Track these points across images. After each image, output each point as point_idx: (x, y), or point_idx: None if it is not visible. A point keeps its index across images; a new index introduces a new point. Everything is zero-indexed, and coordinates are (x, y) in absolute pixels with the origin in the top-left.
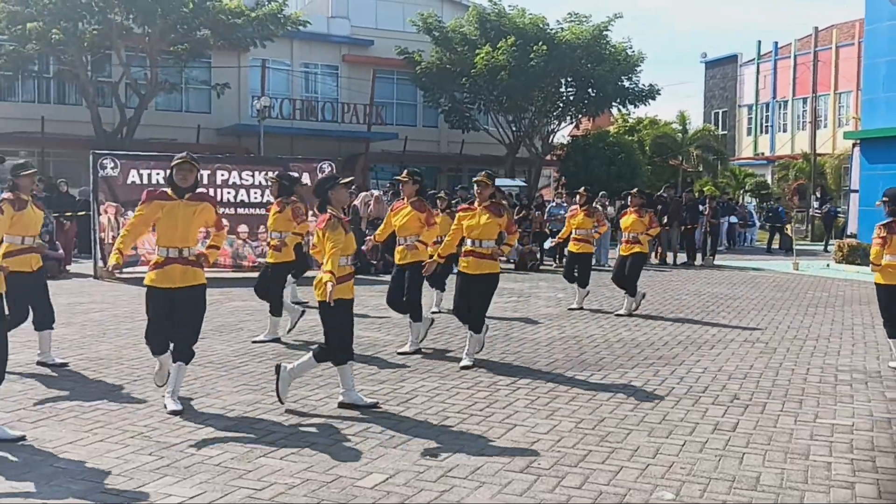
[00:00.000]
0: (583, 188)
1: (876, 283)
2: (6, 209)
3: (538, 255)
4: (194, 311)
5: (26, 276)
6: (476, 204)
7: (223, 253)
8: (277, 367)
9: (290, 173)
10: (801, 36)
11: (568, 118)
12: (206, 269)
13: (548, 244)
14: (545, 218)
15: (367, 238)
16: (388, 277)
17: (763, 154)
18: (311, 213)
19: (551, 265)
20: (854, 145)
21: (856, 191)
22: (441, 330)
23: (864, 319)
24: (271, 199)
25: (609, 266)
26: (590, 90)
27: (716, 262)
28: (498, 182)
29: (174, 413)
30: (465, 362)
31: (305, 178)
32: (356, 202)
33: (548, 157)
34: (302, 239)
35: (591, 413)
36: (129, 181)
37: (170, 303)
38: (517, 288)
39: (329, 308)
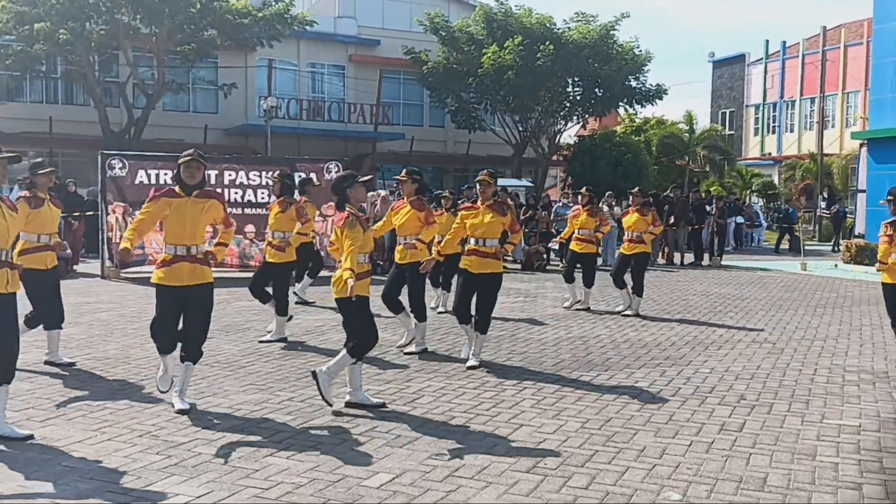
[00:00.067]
0: (584, 188)
1: (883, 283)
2: (22, 207)
3: (544, 256)
4: (203, 310)
5: (41, 274)
6: (479, 203)
7: (230, 253)
8: (314, 374)
9: (307, 174)
10: (810, 35)
11: (575, 118)
12: (212, 268)
13: (552, 244)
14: (551, 218)
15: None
16: None
17: (770, 154)
18: (317, 213)
19: (558, 265)
20: (861, 145)
21: (863, 191)
22: (448, 330)
23: (873, 320)
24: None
25: None
26: (597, 90)
27: (723, 263)
28: (504, 182)
29: (182, 412)
30: (471, 362)
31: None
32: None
33: (554, 158)
34: (312, 238)
35: (597, 413)
36: (137, 181)
37: (179, 301)
38: (523, 288)
39: (348, 305)
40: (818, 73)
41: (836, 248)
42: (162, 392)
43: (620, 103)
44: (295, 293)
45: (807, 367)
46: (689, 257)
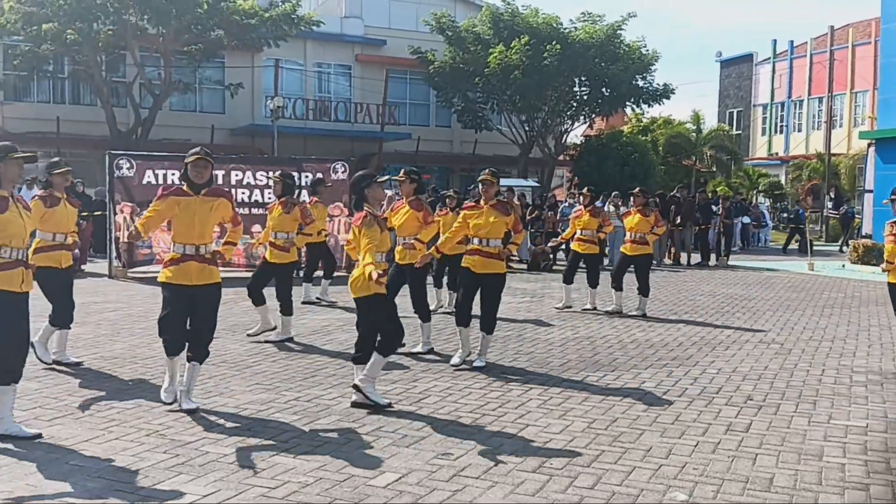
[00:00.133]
0: (586, 188)
1: (889, 283)
2: (37, 206)
3: (551, 256)
4: (211, 310)
5: (55, 272)
6: (482, 202)
7: (237, 252)
8: (355, 386)
9: (314, 174)
10: (817, 35)
11: (581, 118)
12: (219, 268)
13: (550, 244)
14: (558, 218)
15: None
16: None
17: (777, 154)
18: (328, 213)
19: (564, 265)
20: (869, 145)
21: (870, 191)
22: (454, 330)
23: (881, 321)
24: None
25: None
26: (603, 90)
27: (730, 263)
28: (511, 182)
29: (188, 412)
30: (477, 363)
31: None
32: None
33: (561, 158)
34: (325, 238)
35: (603, 413)
36: (144, 181)
37: (187, 300)
38: (530, 288)
39: (367, 303)
40: (826, 72)
41: (842, 249)
42: (167, 404)
43: (627, 103)
44: (318, 298)
45: (814, 368)
46: (696, 257)
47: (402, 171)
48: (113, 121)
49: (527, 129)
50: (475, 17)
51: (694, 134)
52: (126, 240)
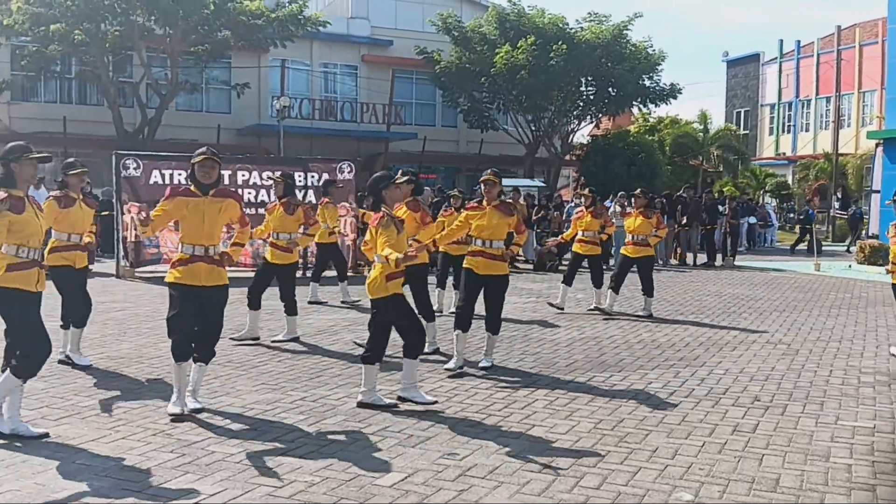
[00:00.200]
0: (587, 189)
1: (893, 285)
2: (50, 206)
3: (556, 256)
4: (219, 311)
5: (69, 272)
6: (485, 203)
7: (244, 252)
8: (401, 398)
9: (319, 174)
10: (824, 35)
11: (588, 118)
12: (226, 269)
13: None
14: (564, 218)
15: None
16: None
17: (784, 154)
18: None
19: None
20: (877, 145)
21: (878, 191)
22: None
23: (889, 321)
24: None
25: None
26: (610, 89)
27: (736, 263)
28: (517, 182)
29: (195, 411)
30: (483, 363)
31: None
32: None
33: (567, 157)
34: (337, 237)
35: (609, 414)
36: (151, 181)
37: (196, 301)
38: (536, 288)
39: (385, 304)
40: (833, 72)
41: (849, 249)
42: (174, 416)
43: (634, 103)
44: (343, 301)
45: (821, 369)
46: (702, 258)
47: (399, 171)
48: (119, 121)
49: (533, 128)
50: (481, 18)
51: (701, 134)
52: (137, 231)
